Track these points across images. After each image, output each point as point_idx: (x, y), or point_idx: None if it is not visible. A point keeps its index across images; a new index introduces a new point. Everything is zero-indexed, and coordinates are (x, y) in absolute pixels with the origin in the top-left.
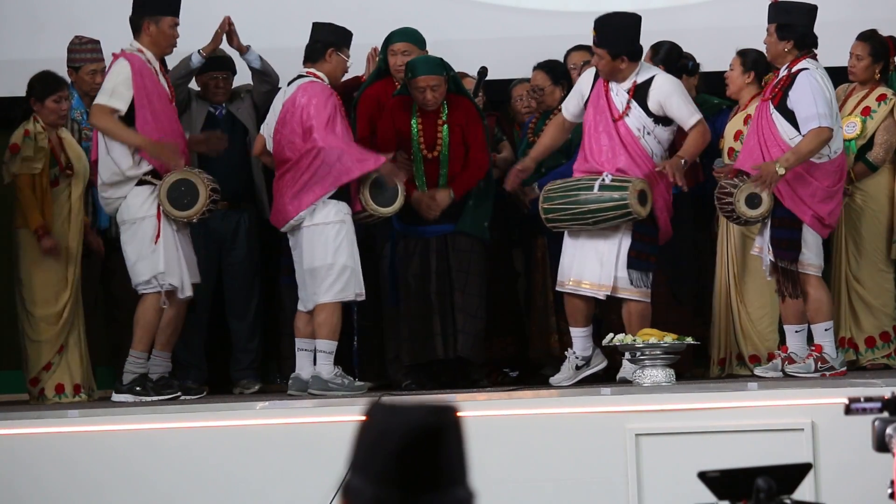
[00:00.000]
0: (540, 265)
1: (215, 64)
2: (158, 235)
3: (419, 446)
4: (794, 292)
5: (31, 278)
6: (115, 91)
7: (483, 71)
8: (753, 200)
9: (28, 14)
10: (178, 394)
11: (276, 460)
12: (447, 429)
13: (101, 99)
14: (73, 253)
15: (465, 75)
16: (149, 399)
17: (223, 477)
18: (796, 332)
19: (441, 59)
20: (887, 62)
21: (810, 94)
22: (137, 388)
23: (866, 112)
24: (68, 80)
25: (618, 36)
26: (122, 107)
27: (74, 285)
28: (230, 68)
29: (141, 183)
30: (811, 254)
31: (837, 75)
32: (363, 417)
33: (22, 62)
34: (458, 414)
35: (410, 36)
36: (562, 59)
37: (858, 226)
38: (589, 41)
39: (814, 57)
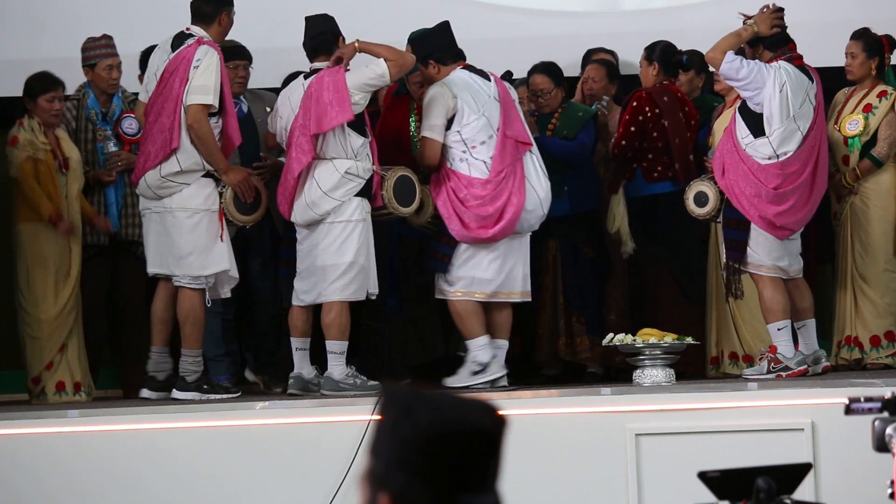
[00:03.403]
0: (550, 268)
1: (234, 53)
2: (223, 232)
3: (478, 448)
4: (735, 292)
5: (32, 276)
6: (216, 88)
7: (508, 75)
8: (701, 199)
9: (29, 14)
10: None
11: (276, 460)
12: (501, 433)
13: (202, 98)
14: (74, 251)
15: None
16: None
17: (223, 477)
18: (778, 329)
19: None
20: (882, 59)
21: (756, 71)
22: (205, 387)
23: (868, 109)
24: (85, 78)
25: (415, 42)
26: (217, 104)
27: (75, 283)
28: (249, 57)
29: (206, 175)
30: (762, 255)
31: (838, 75)
32: (392, 410)
33: (23, 62)
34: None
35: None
36: (558, 60)
37: (865, 224)
38: (584, 40)
39: (790, 58)
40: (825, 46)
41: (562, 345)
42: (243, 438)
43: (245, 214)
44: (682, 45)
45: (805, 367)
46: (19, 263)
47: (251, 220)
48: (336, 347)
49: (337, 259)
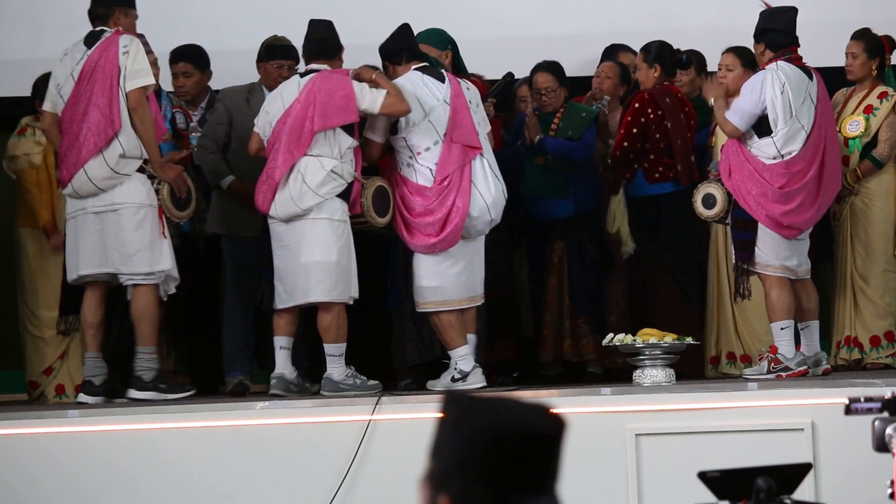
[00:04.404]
0: (556, 270)
1: (281, 52)
2: (164, 229)
3: (536, 450)
4: (743, 292)
5: (34, 279)
6: (148, 70)
7: (509, 75)
8: (709, 200)
9: (28, 14)
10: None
11: (275, 460)
12: (560, 435)
13: (143, 80)
14: None
15: (473, 75)
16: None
17: (223, 477)
18: (781, 328)
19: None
20: (883, 59)
21: (746, 93)
22: (162, 386)
23: (868, 110)
24: None
25: (380, 49)
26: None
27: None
28: (295, 58)
29: (140, 169)
30: (769, 254)
31: (839, 75)
32: (452, 413)
33: (23, 62)
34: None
35: (424, 38)
36: (561, 60)
37: (865, 224)
38: (584, 40)
39: (791, 59)
40: (825, 46)
41: (567, 346)
42: (243, 438)
43: (181, 210)
44: (682, 46)
45: (805, 367)
46: (21, 266)
47: (186, 216)
48: (334, 350)
49: (322, 257)
